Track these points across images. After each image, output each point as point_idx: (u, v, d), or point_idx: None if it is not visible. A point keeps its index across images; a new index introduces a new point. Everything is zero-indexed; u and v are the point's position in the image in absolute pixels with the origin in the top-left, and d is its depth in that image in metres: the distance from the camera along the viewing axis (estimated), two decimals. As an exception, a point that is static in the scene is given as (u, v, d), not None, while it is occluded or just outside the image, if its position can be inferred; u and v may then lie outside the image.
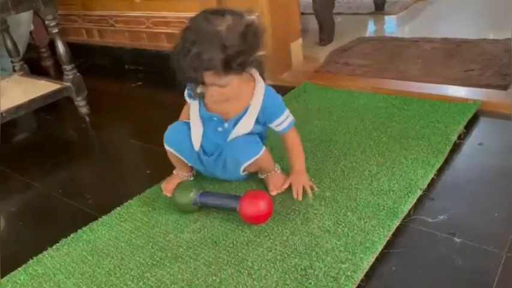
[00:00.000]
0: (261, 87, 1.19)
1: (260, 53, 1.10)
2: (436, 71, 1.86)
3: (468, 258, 0.96)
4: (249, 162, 1.19)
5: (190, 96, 1.23)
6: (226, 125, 1.19)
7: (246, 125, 1.19)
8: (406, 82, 1.81)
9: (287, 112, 1.22)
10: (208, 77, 1.08)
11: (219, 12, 1.07)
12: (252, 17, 1.09)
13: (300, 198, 1.18)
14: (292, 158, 1.25)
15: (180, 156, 1.27)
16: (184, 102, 1.28)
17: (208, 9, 1.10)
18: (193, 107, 1.23)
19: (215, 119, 1.20)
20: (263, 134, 1.27)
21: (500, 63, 1.81)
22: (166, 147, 1.27)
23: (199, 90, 1.14)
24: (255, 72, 1.19)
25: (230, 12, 1.07)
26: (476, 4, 2.81)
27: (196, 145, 1.23)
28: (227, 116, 1.19)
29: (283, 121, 1.21)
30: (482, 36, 2.14)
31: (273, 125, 1.22)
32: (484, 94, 1.61)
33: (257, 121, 1.20)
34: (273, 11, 1.93)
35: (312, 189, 1.19)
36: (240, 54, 1.05)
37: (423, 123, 1.45)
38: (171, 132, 1.26)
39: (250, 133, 1.21)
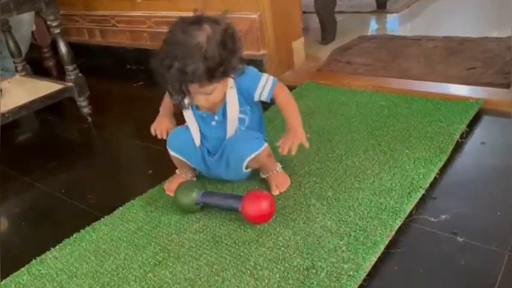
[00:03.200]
0: None
1: (240, 54, 1.11)
2: (438, 70, 1.86)
3: (470, 257, 0.96)
4: (251, 157, 1.19)
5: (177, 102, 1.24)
6: (216, 117, 1.21)
7: (233, 108, 1.20)
8: (408, 81, 1.81)
9: (264, 77, 1.20)
10: (193, 88, 1.10)
11: (196, 22, 1.07)
12: (227, 21, 1.10)
13: (285, 152, 1.13)
14: (285, 115, 1.20)
15: (184, 160, 1.28)
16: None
17: (184, 19, 1.10)
18: (186, 110, 1.24)
19: (205, 115, 1.22)
20: (259, 119, 1.28)
21: (503, 61, 1.81)
22: (171, 152, 1.28)
23: (187, 101, 1.16)
24: None
25: (206, 20, 1.08)
26: (478, 2, 2.80)
27: (197, 141, 1.24)
28: (214, 109, 1.21)
29: (264, 87, 1.19)
30: (484, 34, 2.13)
31: (257, 97, 1.21)
32: (486, 92, 1.60)
33: (245, 101, 1.21)
34: (274, 10, 1.93)
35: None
36: (222, 63, 1.06)
37: (425, 122, 1.45)
38: (173, 137, 1.26)
39: (250, 129, 1.24)
